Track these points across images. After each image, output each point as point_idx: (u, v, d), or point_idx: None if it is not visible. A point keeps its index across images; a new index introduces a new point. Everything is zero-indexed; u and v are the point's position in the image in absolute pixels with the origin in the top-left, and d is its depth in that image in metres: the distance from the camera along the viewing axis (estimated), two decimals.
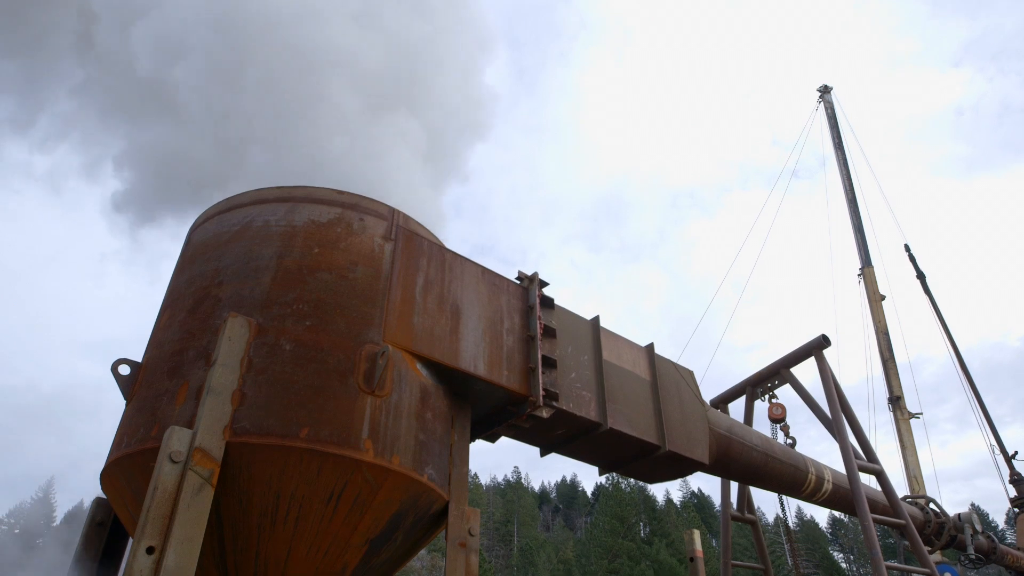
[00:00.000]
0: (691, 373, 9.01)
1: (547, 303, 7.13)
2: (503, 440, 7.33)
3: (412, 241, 6.15)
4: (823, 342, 12.10)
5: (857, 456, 11.59)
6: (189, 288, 5.67)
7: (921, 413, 24.48)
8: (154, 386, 5.14)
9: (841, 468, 11.57)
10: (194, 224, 6.48)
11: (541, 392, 6.41)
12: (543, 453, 7.98)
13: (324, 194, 6.00)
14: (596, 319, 7.84)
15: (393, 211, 6.22)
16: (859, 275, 27.12)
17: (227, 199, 6.27)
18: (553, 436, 7.46)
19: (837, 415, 11.58)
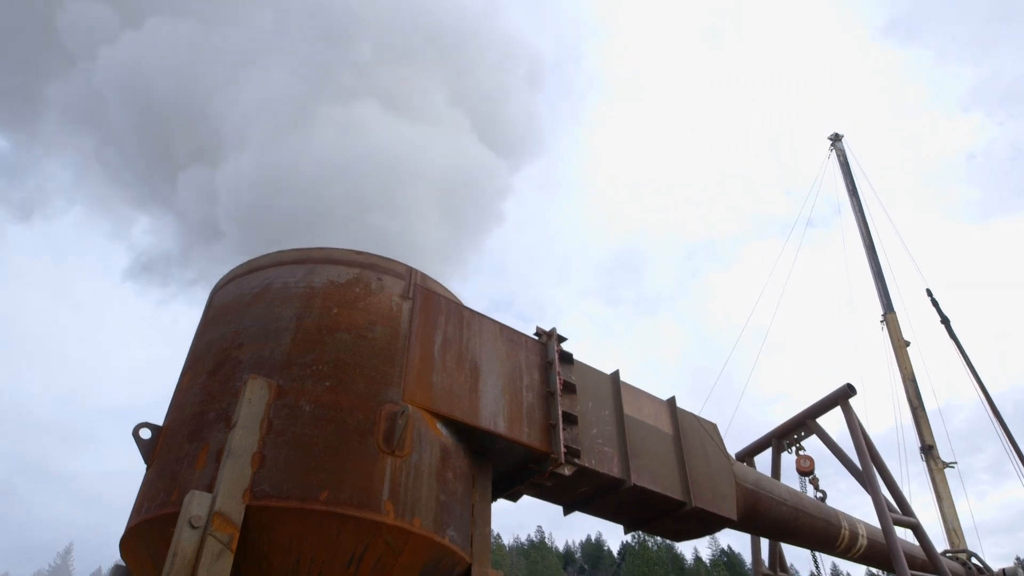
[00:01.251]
0: (714, 426, 8.85)
1: (566, 358, 7.10)
2: (526, 499, 7.21)
3: (430, 299, 6.19)
4: (849, 391, 11.87)
5: (891, 509, 11.22)
6: (210, 350, 5.72)
7: (955, 462, 23.73)
8: (174, 450, 5.14)
9: (875, 522, 11.19)
10: (215, 287, 6.58)
11: (563, 449, 6.32)
12: (567, 512, 7.81)
13: (342, 255, 6.09)
14: (616, 373, 7.77)
15: (411, 270, 6.28)
16: (882, 321, 26.75)
17: (247, 262, 6.38)
18: (576, 494, 7.31)
19: (868, 466, 11.27)
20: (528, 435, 6.21)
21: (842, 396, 11.96)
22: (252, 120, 8.51)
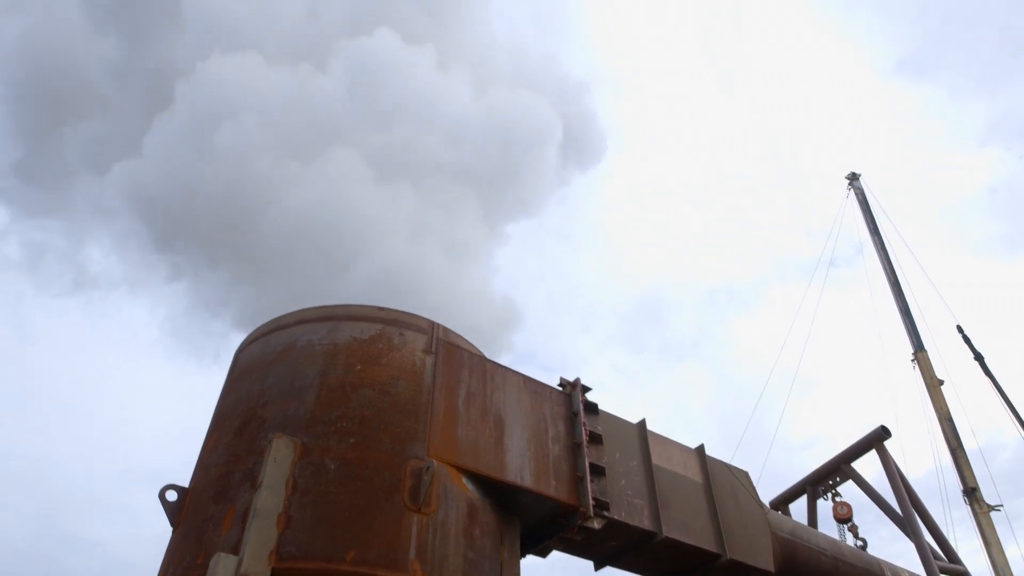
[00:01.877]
0: (746, 474, 8.64)
1: (591, 409, 7.02)
2: (555, 554, 7.04)
3: (453, 353, 6.19)
4: (883, 433, 11.57)
5: (936, 557, 10.78)
6: (235, 409, 5.75)
7: (1001, 505, 22.81)
8: (200, 511, 5.12)
9: (920, 570, 10.75)
10: (240, 346, 6.65)
11: (591, 502, 6.19)
12: (597, 567, 7.61)
13: (365, 311, 6.14)
14: (642, 422, 7.66)
15: (433, 324, 6.31)
16: (912, 360, 26.17)
17: (272, 320, 6.45)
18: (607, 548, 7.13)
19: (908, 512, 10.89)
20: (555, 488, 6.11)
21: (876, 439, 11.65)
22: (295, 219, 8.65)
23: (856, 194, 29.34)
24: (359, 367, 5.69)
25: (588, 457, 6.48)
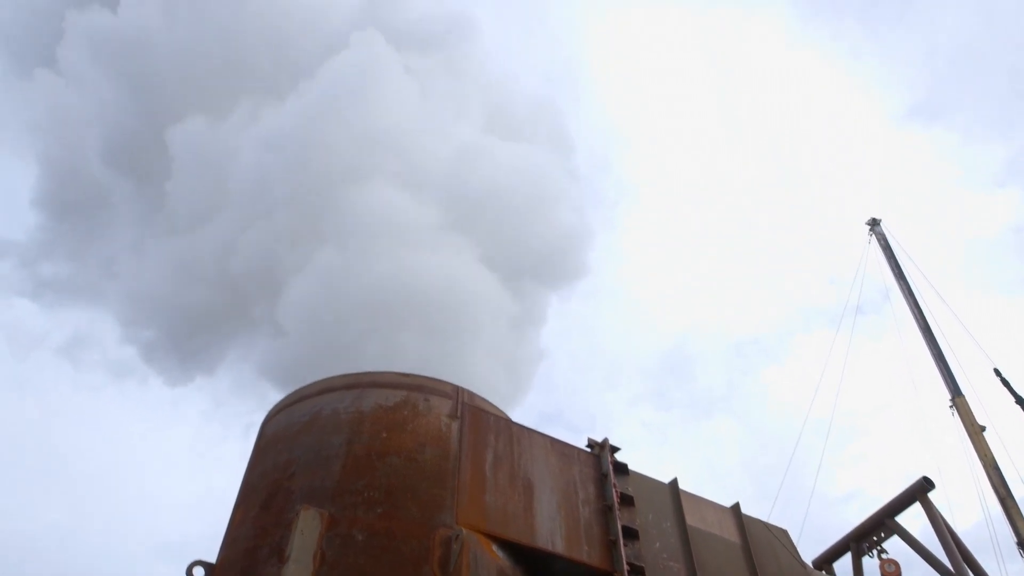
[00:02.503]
0: (785, 532, 8.34)
1: (621, 469, 6.88)
2: None
3: (478, 418, 6.15)
4: (926, 484, 11.16)
5: None
6: (262, 482, 5.72)
7: None
8: None
9: None
10: (266, 417, 6.66)
11: (625, 567, 6.00)
12: None
13: (389, 378, 6.15)
14: (674, 482, 7.48)
15: (458, 389, 6.28)
16: (951, 406, 25.41)
17: (297, 390, 6.48)
18: None
19: (960, 567, 10.41)
20: (588, 553, 5.94)
21: (920, 490, 11.24)
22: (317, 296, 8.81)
23: (878, 239, 29.11)
24: (385, 435, 5.66)
25: (620, 520, 6.31)
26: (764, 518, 8.27)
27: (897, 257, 27.61)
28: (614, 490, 6.51)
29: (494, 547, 5.45)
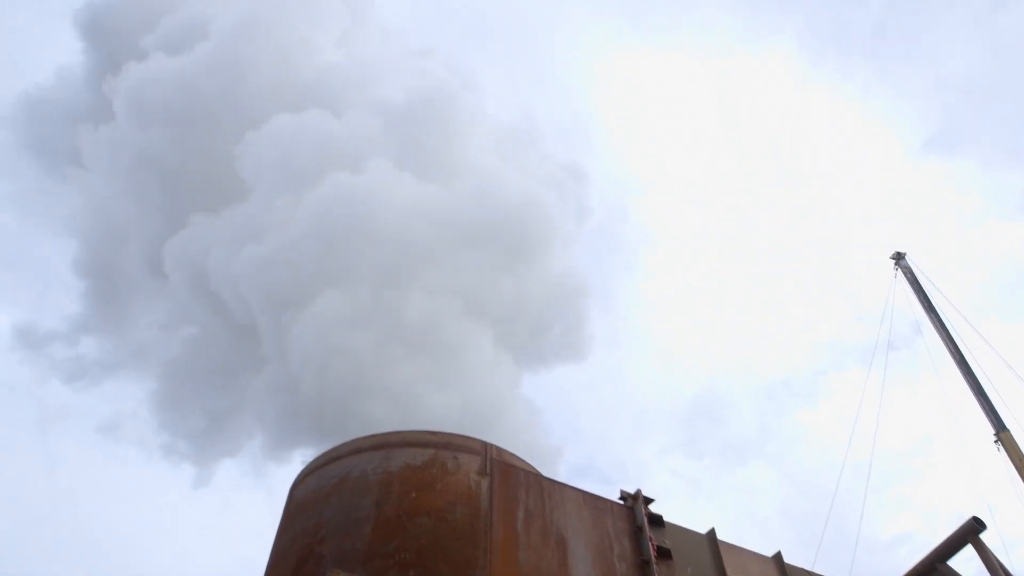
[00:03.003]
0: None
1: (656, 521, 6.71)
2: None
3: (508, 473, 6.07)
4: (977, 525, 10.69)
5: None
6: (292, 547, 5.67)
7: None
8: None
9: None
10: (295, 481, 6.64)
11: None
12: None
13: (417, 437, 6.12)
14: (712, 532, 7.27)
15: (486, 445, 6.23)
16: (996, 441, 24.57)
17: (325, 452, 6.46)
18: None
19: None
20: None
21: (970, 532, 10.77)
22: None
23: (904, 273, 28.73)
24: (414, 495, 5.61)
25: (658, 574, 6.13)
26: (808, 567, 7.97)
27: (925, 290, 27.18)
28: (650, 543, 6.34)
29: None
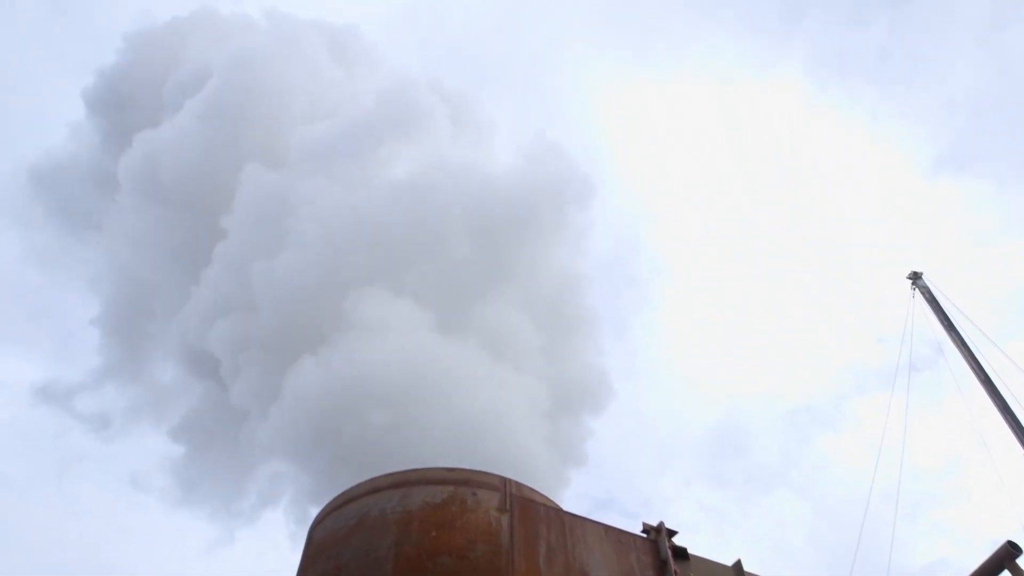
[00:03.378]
0: None
1: (681, 554, 6.57)
2: None
3: (528, 509, 5.99)
4: (1013, 550, 10.39)
5: None
6: None
7: None
8: None
9: None
10: (313, 522, 6.58)
11: None
12: None
13: (436, 474, 6.06)
14: (738, 563, 7.10)
15: (505, 481, 6.16)
16: None
17: (343, 492, 6.41)
18: None
19: None
20: None
21: (1006, 557, 10.45)
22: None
23: (922, 292, 28.42)
24: (434, 533, 5.54)
25: None
26: None
27: (945, 309, 26.85)
28: None
29: None
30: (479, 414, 8.64)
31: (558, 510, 6.24)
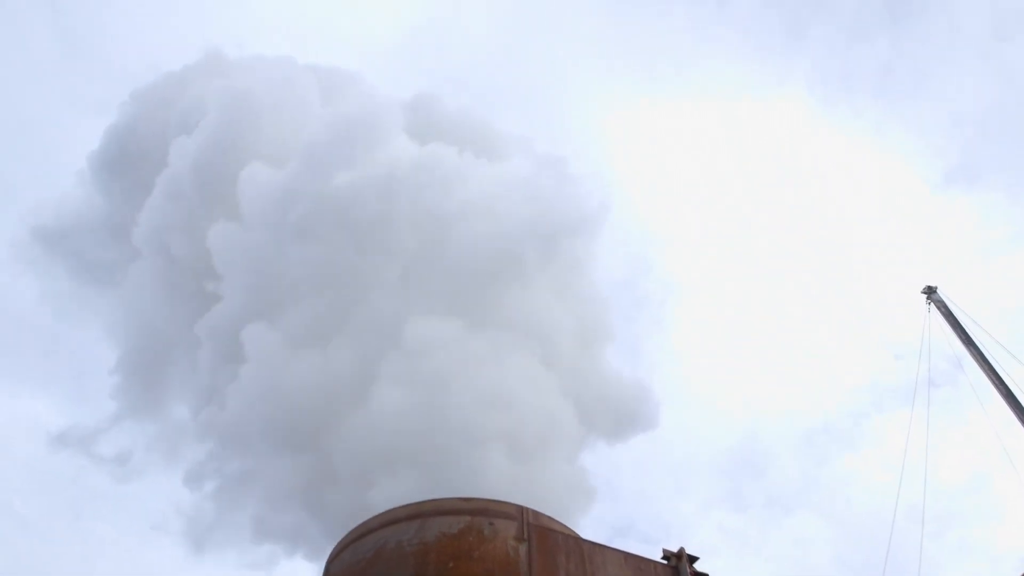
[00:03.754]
0: None
1: None
2: None
3: (546, 538, 5.92)
4: None
5: None
6: None
7: None
8: None
9: None
10: (330, 556, 6.54)
11: None
12: None
13: (452, 504, 6.02)
14: None
15: (522, 510, 6.09)
16: None
17: (360, 525, 6.37)
18: None
19: None
20: None
21: None
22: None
23: (937, 307, 28.10)
24: (451, 564, 5.48)
25: None
26: None
27: (962, 323, 26.53)
28: None
29: None
30: (496, 437, 8.54)
31: (577, 538, 6.16)
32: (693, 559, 6.55)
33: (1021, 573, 10.46)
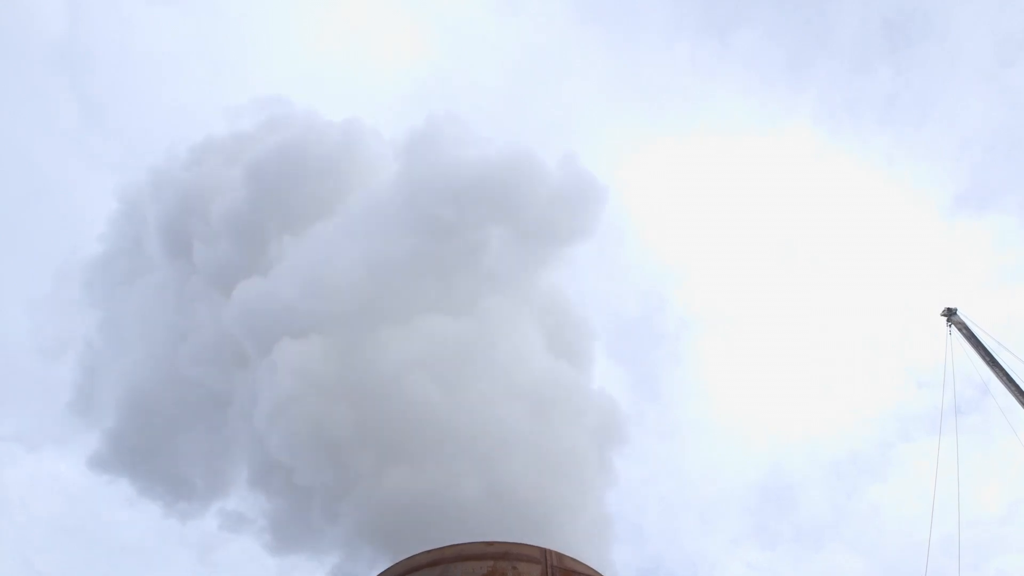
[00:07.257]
0: None
1: None
2: None
3: None
4: None
5: None
6: None
7: None
8: None
9: None
10: None
11: None
12: None
13: (474, 549, 5.88)
14: None
15: (545, 552, 5.95)
16: None
17: (381, 574, 6.25)
18: None
19: None
20: None
21: None
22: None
23: (959, 328, 27.61)
24: None
25: None
26: None
27: (985, 345, 26.02)
28: None
29: None
30: (518, 477, 8.39)
31: None
32: None
33: None
